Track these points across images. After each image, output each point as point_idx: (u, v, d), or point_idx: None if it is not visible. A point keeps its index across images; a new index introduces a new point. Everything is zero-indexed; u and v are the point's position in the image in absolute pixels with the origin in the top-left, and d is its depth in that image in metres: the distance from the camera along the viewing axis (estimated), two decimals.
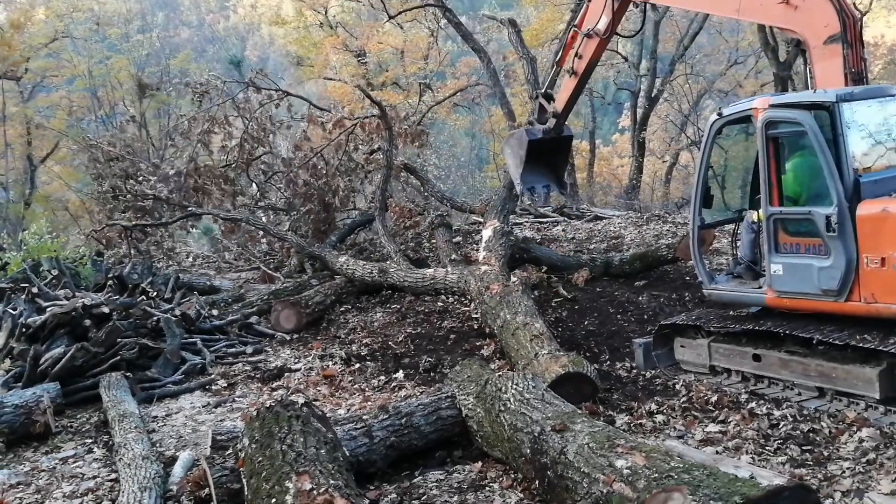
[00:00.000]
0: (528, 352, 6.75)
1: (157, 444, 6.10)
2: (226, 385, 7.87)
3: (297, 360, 8.64)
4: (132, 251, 13.29)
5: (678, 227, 13.72)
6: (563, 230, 15.09)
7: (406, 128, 15.02)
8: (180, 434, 6.45)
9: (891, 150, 5.87)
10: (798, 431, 5.26)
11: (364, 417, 5.24)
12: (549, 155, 9.48)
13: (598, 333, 8.27)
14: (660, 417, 5.80)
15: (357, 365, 8.09)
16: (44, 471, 5.68)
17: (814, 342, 5.75)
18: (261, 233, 14.16)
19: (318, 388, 7.42)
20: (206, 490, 4.48)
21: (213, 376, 8.15)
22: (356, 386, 7.42)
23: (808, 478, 4.53)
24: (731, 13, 7.30)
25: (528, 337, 6.96)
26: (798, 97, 6.12)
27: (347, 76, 26.58)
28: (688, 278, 9.75)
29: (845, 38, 5.96)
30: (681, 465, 3.58)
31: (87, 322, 8.12)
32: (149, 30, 34.60)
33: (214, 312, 10.17)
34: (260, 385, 7.79)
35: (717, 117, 6.56)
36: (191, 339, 8.95)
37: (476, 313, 8.84)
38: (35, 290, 8.89)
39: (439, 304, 9.75)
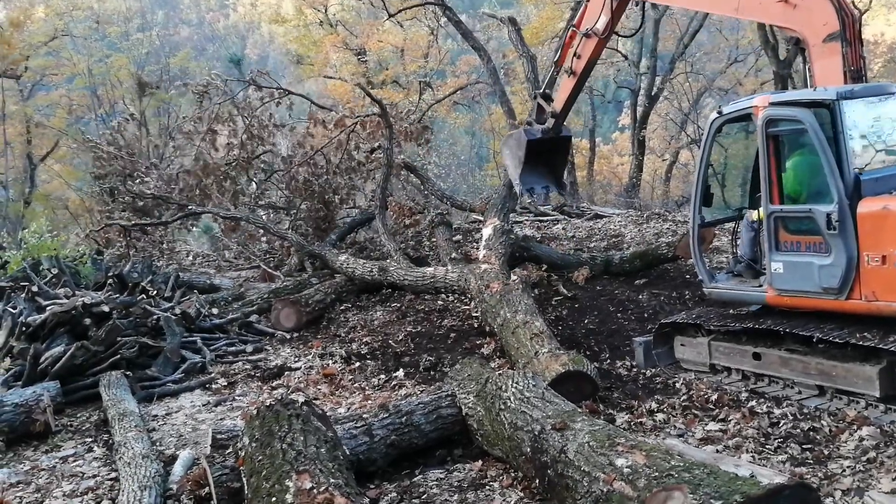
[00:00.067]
0: (528, 350, 6.75)
1: (157, 443, 6.10)
2: (226, 384, 7.87)
3: (297, 359, 8.64)
4: (131, 250, 13.29)
5: (678, 226, 13.72)
6: (564, 228, 15.09)
7: (406, 126, 15.02)
8: (180, 433, 6.45)
9: (891, 148, 5.87)
10: (798, 430, 5.26)
11: (364, 416, 5.24)
12: (548, 155, 9.48)
13: (599, 332, 8.27)
14: (660, 416, 5.79)
15: (357, 363, 8.08)
16: (44, 470, 5.68)
17: (814, 340, 5.75)
18: (261, 231, 14.16)
19: (319, 387, 7.42)
20: (206, 489, 4.48)
21: (213, 375, 8.15)
22: (356, 384, 7.42)
23: (809, 476, 4.53)
24: (730, 12, 7.29)
25: (529, 335, 6.96)
26: (798, 95, 6.11)
27: (347, 74, 26.57)
28: (688, 277, 9.75)
29: (844, 37, 5.95)
30: (681, 464, 3.58)
31: (87, 321, 8.11)
32: (149, 28, 34.64)
33: (214, 311, 10.17)
34: (260, 384, 7.79)
35: (718, 115, 6.56)
36: (191, 338, 8.94)
37: (476, 312, 8.84)
38: (35, 288, 8.89)
39: (439, 302, 9.75)
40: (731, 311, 6.83)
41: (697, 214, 6.80)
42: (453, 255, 11.00)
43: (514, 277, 8.65)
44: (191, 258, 16.56)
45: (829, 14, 6.01)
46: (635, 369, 7.11)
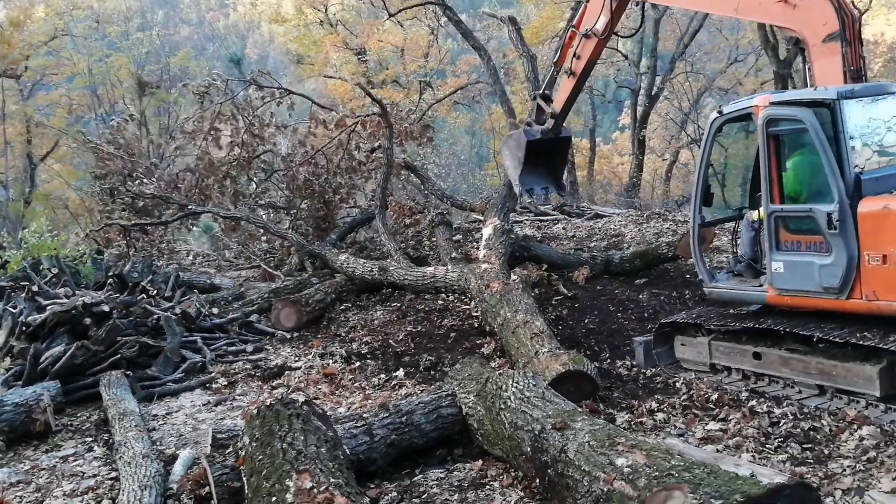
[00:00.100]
0: (528, 350, 6.75)
1: (158, 443, 6.10)
2: (226, 383, 7.87)
3: (297, 359, 8.63)
4: (131, 250, 13.29)
5: (678, 225, 13.72)
6: (564, 228, 15.08)
7: (406, 126, 15.02)
8: (180, 432, 6.45)
9: (892, 147, 5.87)
10: (798, 429, 5.26)
11: (364, 416, 5.24)
12: (547, 156, 9.48)
13: (599, 331, 8.27)
14: (660, 415, 5.79)
15: (357, 363, 8.08)
16: (44, 469, 5.68)
17: (814, 340, 5.75)
18: (261, 231, 14.16)
19: (319, 387, 7.42)
20: (207, 488, 4.48)
21: (213, 375, 8.15)
22: (356, 384, 7.42)
23: (809, 476, 4.53)
24: (729, 12, 7.28)
25: (529, 335, 6.96)
26: (799, 95, 6.11)
27: (348, 74, 26.57)
28: (688, 276, 9.75)
29: (844, 36, 5.95)
30: (681, 464, 3.57)
31: (88, 320, 8.11)
32: (149, 28, 34.63)
33: (215, 311, 10.17)
34: (260, 383, 7.79)
35: (718, 115, 6.56)
36: (191, 338, 8.95)
37: (476, 311, 8.83)
38: (35, 288, 8.89)
39: (440, 302, 9.75)
40: (731, 310, 6.83)
41: (698, 214, 6.80)
42: (453, 254, 10.99)
43: (514, 277, 8.65)
44: (191, 258, 16.57)
45: (829, 14, 6.01)
46: (635, 369, 7.11)
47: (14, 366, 7.68)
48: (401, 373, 7.57)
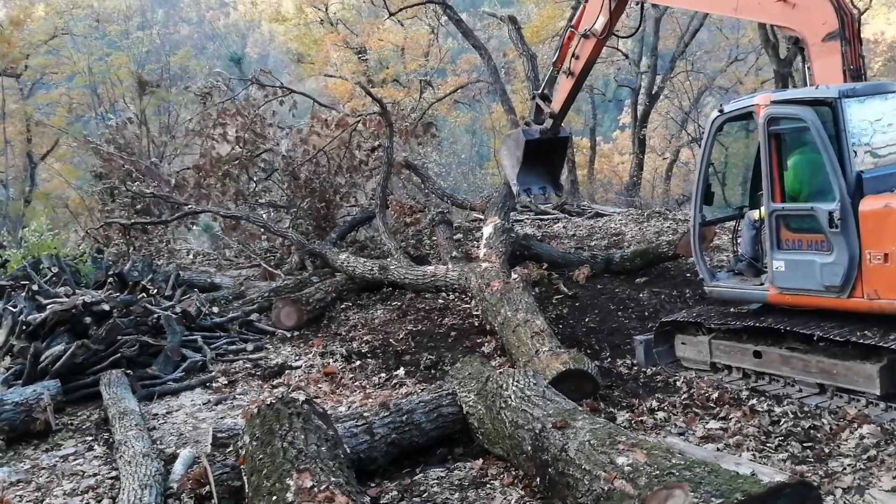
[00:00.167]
0: (528, 349, 6.75)
1: (158, 442, 6.10)
2: (226, 382, 7.87)
3: (297, 358, 8.64)
4: (131, 248, 13.30)
5: (679, 224, 13.72)
6: (564, 227, 15.08)
7: (406, 125, 15.02)
8: (181, 431, 6.45)
9: (893, 146, 5.86)
10: (799, 428, 5.25)
11: (365, 415, 5.24)
12: (545, 155, 9.48)
13: (599, 330, 8.27)
14: (661, 414, 5.79)
15: (358, 362, 8.08)
16: (44, 468, 5.68)
17: (814, 339, 5.74)
18: (261, 230, 14.17)
19: (319, 386, 7.42)
20: (207, 487, 4.48)
21: (213, 374, 8.15)
22: (357, 383, 7.42)
23: (809, 475, 4.53)
24: (729, 12, 7.27)
25: (529, 334, 6.96)
26: (800, 93, 6.10)
27: (348, 73, 26.59)
28: (689, 275, 9.74)
29: (843, 36, 5.95)
30: (682, 462, 3.57)
31: (88, 319, 8.11)
32: (149, 27, 34.59)
33: (215, 310, 10.18)
34: (261, 382, 7.79)
35: (719, 114, 6.55)
36: (191, 337, 8.95)
37: (477, 310, 8.83)
38: (35, 287, 8.89)
39: (440, 301, 9.74)
40: (731, 309, 6.82)
41: (698, 213, 6.80)
42: (454, 253, 10.99)
43: (514, 276, 8.65)
44: (191, 257, 16.58)
45: (828, 13, 6.01)
46: (636, 368, 7.11)
47: (14, 365, 7.68)
48: (401, 372, 7.57)
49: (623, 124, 35.87)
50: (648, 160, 29.30)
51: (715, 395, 5.99)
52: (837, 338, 5.53)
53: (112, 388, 6.98)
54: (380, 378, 7.48)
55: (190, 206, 13.27)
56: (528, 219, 16.12)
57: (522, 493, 4.55)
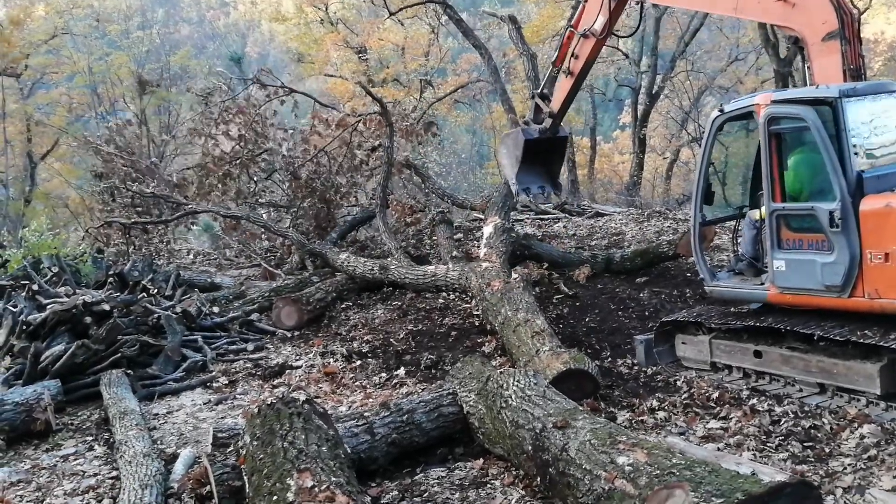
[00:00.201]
0: (529, 348, 6.75)
1: (158, 442, 6.10)
2: (227, 382, 7.87)
3: (298, 357, 8.63)
4: (131, 248, 13.31)
5: (679, 224, 13.72)
6: (564, 227, 15.08)
7: (407, 125, 15.02)
8: (181, 431, 6.45)
9: (893, 146, 5.86)
10: (799, 428, 5.25)
11: (365, 414, 5.24)
12: (544, 155, 9.47)
13: (600, 330, 8.27)
14: (661, 414, 5.79)
15: (358, 362, 8.08)
16: (45, 468, 5.68)
17: (815, 338, 5.74)
18: (262, 230, 14.18)
19: (320, 385, 7.42)
20: (208, 487, 4.48)
21: (214, 373, 8.15)
22: (357, 383, 7.42)
23: (810, 474, 4.53)
24: (729, 11, 7.27)
25: (530, 334, 6.96)
26: (800, 93, 6.10)
27: (348, 73, 26.59)
28: (689, 275, 9.74)
29: (843, 35, 5.95)
30: (682, 462, 3.57)
31: (88, 319, 8.11)
32: (149, 26, 34.57)
33: (215, 309, 10.17)
34: (261, 382, 7.79)
35: (719, 114, 6.55)
36: (192, 337, 8.95)
37: (477, 310, 8.83)
38: (35, 287, 8.89)
39: (440, 300, 9.75)
40: (732, 309, 6.82)
41: (698, 212, 6.80)
42: (454, 253, 10.98)
43: (515, 276, 8.65)
44: (191, 256, 16.58)
45: (828, 13, 6.00)
46: (636, 367, 7.11)
47: (14, 365, 7.68)
48: (402, 371, 7.57)
49: (623, 124, 35.88)
50: (649, 160, 29.30)
51: (715, 395, 5.98)
52: (838, 337, 5.53)
53: (112, 387, 6.98)
54: (380, 378, 7.47)
55: (190, 206, 13.27)
56: (528, 218, 16.12)
57: (523, 492, 4.55)
